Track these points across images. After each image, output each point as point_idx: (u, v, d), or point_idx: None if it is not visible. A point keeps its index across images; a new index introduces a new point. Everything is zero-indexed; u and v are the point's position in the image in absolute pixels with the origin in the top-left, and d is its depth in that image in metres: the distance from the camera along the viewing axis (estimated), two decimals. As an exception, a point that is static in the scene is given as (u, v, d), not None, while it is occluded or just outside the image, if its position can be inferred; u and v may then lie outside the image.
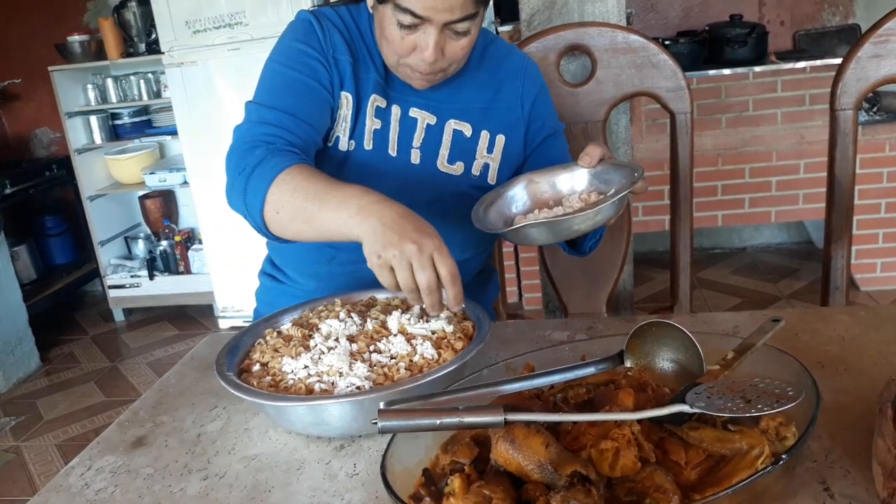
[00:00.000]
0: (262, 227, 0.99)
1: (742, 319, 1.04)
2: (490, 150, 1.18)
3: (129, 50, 3.51)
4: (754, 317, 1.04)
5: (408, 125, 1.14)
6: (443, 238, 0.86)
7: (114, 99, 3.63)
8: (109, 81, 3.61)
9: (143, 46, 3.47)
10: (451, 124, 1.16)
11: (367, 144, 1.13)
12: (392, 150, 1.14)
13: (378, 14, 1.04)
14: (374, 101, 1.12)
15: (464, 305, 0.93)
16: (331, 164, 1.12)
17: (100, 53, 3.56)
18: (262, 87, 1.10)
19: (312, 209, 0.92)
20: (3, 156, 4.01)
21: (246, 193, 0.98)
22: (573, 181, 1.08)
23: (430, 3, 0.96)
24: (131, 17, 3.43)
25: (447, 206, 1.13)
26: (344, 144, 1.12)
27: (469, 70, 1.15)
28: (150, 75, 3.60)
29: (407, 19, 0.99)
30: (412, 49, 1.02)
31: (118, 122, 3.72)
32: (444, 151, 1.16)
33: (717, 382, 0.69)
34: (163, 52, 3.15)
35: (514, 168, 1.22)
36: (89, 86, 3.63)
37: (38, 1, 3.87)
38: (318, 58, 1.09)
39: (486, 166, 1.18)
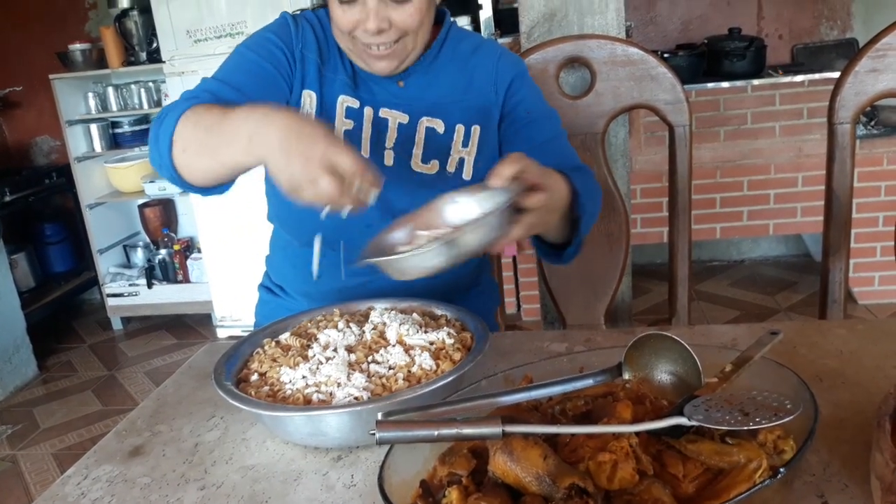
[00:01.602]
0: (173, 172, 0.96)
1: (740, 332, 1.04)
2: (465, 143, 1.16)
3: (130, 59, 3.53)
4: (752, 329, 1.04)
5: (379, 126, 1.13)
6: None
7: (114, 107, 3.64)
8: (110, 90, 3.62)
9: (144, 55, 3.48)
10: (424, 122, 1.14)
11: None
12: (364, 152, 1.13)
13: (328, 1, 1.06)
14: (344, 101, 1.12)
15: (377, 192, 0.84)
16: None
17: (101, 62, 3.58)
18: (220, 66, 1.12)
19: (213, 141, 0.90)
20: (4, 163, 4.02)
21: (158, 138, 0.96)
22: (469, 208, 0.96)
23: None
24: (133, 26, 3.44)
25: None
26: None
27: (439, 63, 1.15)
28: (150, 84, 3.61)
29: None
30: (355, 24, 1.03)
31: (118, 130, 3.73)
32: (418, 151, 1.15)
33: (715, 395, 0.69)
34: (164, 61, 3.17)
35: (493, 160, 1.19)
36: (90, 94, 3.64)
37: (40, 9, 3.88)
38: (283, 48, 1.11)
39: (461, 161, 1.16)
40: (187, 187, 0.99)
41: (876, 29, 1.35)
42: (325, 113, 1.12)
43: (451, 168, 1.16)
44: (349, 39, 1.07)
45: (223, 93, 1.04)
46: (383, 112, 1.13)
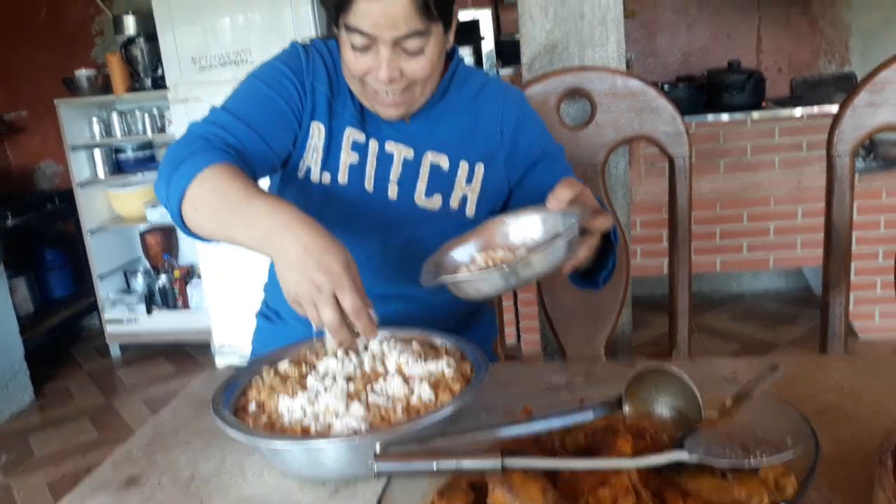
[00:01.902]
0: (179, 221, 1.00)
1: (740, 366, 1.04)
2: (469, 180, 1.17)
3: (134, 85, 3.56)
4: (753, 363, 1.04)
5: (384, 160, 1.14)
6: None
7: (118, 133, 3.67)
8: (114, 115, 3.66)
9: (148, 82, 3.52)
10: (429, 157, 1.15)
11: (342, 178, 1.13)
12: (368, 186, 1.14)
13: (339, 40, 1.07)
14: (350, 133, 1.13)
15: (369, 340, 0.92)
16: (303, 197, 1.13)
17: (106, 88, 3.61)
18: (231, 96, 1.13)
19: (226, 216, 0.93)
20: (7, 188, 4.04)
21: (170, 183, 0.98)
22: (528, 229, 1.00)
23: (372, 18, 0.98)
24: (138, 53, 3.48)
25: (426, 244, 1.10)
26: (316, 176, 1.13)
27: (446, 101, 1.16)
28: (154, 110, 3.64)
29: (357, 40, 1.01)
30: (367, 70, 1.04)
31: (122, 156, 3.75)
32: (422, 186, 1.15)
33: (715, 430, 0.69)
34: (168, 88, 3.20)
35: (496, 199, 1.20)
36: (94, 119, 3.67)
37: (48, 36, 3.94)
38: (294, 81, 1.12)
39: (464, 198, 1.17)
40: (187, 233, 1.02)
41: (874, 63, 1.37)
42: (333, 145, 1.13)
43: (454, 204, 1.17)
44: (359, 83, 1.08)
45: (234, 127, 1.06)
46: (389, 146, 1.15)
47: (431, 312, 1.14)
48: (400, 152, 1.15)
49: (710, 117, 3.17)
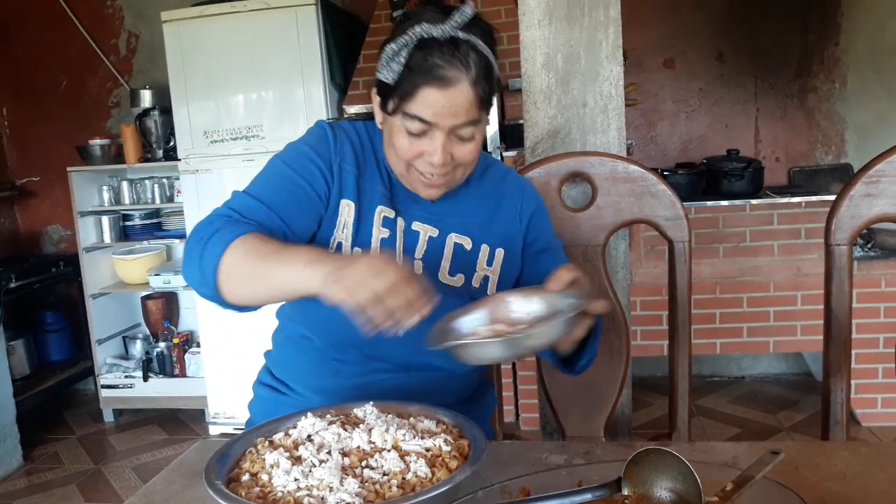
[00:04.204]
0: (214, 292, 1.02)
1: (741, 450, 1.03)
2: (490, 262, 1.21)
3: (146, 155, 3.64)
4: (754, 448, 1.03)
5: (411, 238, 1.18)
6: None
7: (127, 201, 3.73)
8: (125, 184, 3.72)
9: (160, 152, 3.60)
10: (453, 237, 1.19)
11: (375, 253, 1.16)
12: (398, 260, 1.16)
13: (387, 125, 1.11)
14: (382, 211, 1.16)
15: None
16: None
17: (118, 157, 3.69)
18: (255, 178, 1.16)
19: (263, 268, 0.97)
20: (13, 251, 4.07)
21: (202, 259, 1.02)
22: (529, 305, 1.05)
23: (437, 108, 1.04)
24: (152, 125, 3.57)
25: None
26: (347, 250, 1.15)
27: (470, 186, 1.21)
28: (164, 180, 3.71)
29: (415, 126, 1.06)
30: (419, 154, 1.09)
31: (129, 223, 3.80)
32: (446, 264, 1.19)
33: (715, 515, 0.68)
34: (179, 159, 3.27)
35: (513, 280, 1.24)
36: (105, 187, 3.74)
37: (65, 105, 4.05)
38: (321, 165, 1.14)
39: (485, 279, 1.21)
40: (225, 306, 1.05)
41: (869, 155, 1.40)
42: (363, 221, 1.16)
43: (475, 283, 1.20)
44: (405, 167, 1.12)
45: (254, 210, 1.09)
46: (415, 225, 1.18)
47: (447, 383, 1.19)
48: (426, 232, 1.18)
49: (710, 203, 3.22)
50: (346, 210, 1.15)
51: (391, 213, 1.17)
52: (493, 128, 3.47)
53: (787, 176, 3.72)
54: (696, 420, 3.20)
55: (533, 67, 1.79)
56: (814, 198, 3.16)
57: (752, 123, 3.73)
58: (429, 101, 1.04)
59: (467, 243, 1.20)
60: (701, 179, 3.40)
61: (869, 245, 3.10)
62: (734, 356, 3.66)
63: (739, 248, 3.21)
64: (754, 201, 3.20)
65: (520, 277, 1.25)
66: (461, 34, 1.03)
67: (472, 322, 1.04)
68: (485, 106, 1.08)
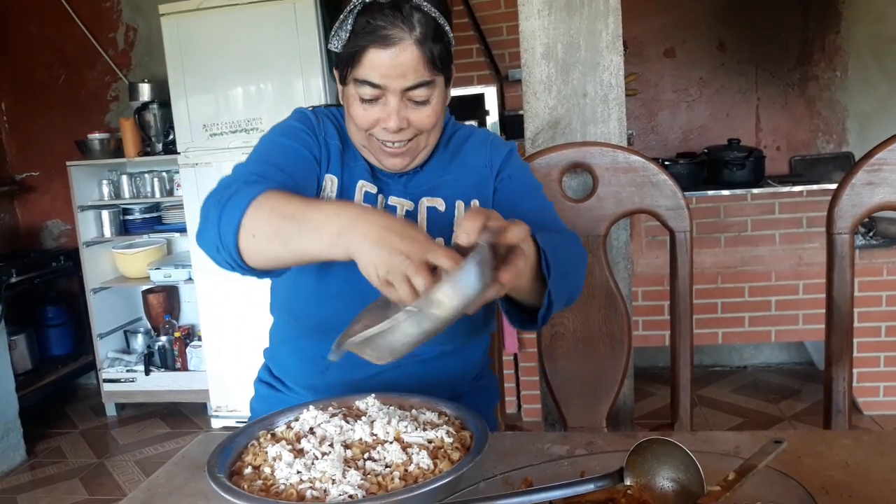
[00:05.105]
0: (235, 258, 0.95)
1: (743, 440, 1.03)
2: None
3: (146, 149, 3.63)
4: (756, 437, 1.03)
5: (389, 212, 1.17)
6: None
7: (127, 195, 3.73)
8: (124, 178, 3.72)
9: (159, 146, 3.59)
10: (424, 202, 1.18)
11: None
12: None
13: (345, 98, 1.11)
14: (363, 186, 1.16)
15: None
16: None
17: (118, 151, 3.68)
18: (252, 154, 1.13)
19: (291, 230, 0.89)
20: (14, 246, 4.07)
21: (220, 222, 0.95)
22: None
23: (383, 69, 1.03)
24: (151, 119, 3.57)
25: None
26: None
27: (436, 153, 1.20)
28: (164, 174, 3.71)
29: (367, 91, 1.06)
30: (375, 122, 1.08)
31: (129, 217, 3.80)
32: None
33: (718, 505, 0.68)
34: (179, 153, 3.26)
35: None
36: (104, 181, 3.74)
37: (64, 100, 4.05)
38: (310, 134, 1.15)
39: None
40: (244, 270, 0.99)
41: (870, 143, 1.40)
42: (345, 196, 1.16)
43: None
44: (365, 136, 1.12)
45: (267, 171, 1.05)
46: (392, 200, 1.18)
47: (440, 375, 1.16)
48: (402, 206, 1.18)
49: (711, 192, 3.22)
50: (329, 185, 1.15)
51: (373, 189, 1.17)
52: (493, 118, 3.46)
53: (789, 165, 3.72)
54: (697, 410, 3.21)
55: (533, 57, 1.79)
56: (815, 186, 3.16)
57: (752, 112, 3.72)
58: (374, 62, 1.03)
59: (440, 205, 1.19)
60: (702, 169, 3.39)
61: (870, 233, 3.10)
62: (736, 346, 3.66)
63: (741, 237, 3.21)
64: (755, 190, 3.19)
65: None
66: None
67: (378, 316, 0.86)
68: (437, 67, 1.06)
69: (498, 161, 1.22)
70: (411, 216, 1.18)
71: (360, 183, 1.16)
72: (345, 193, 1.16)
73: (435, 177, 1.20)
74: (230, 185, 1.00)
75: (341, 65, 1.08)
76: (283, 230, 0.90)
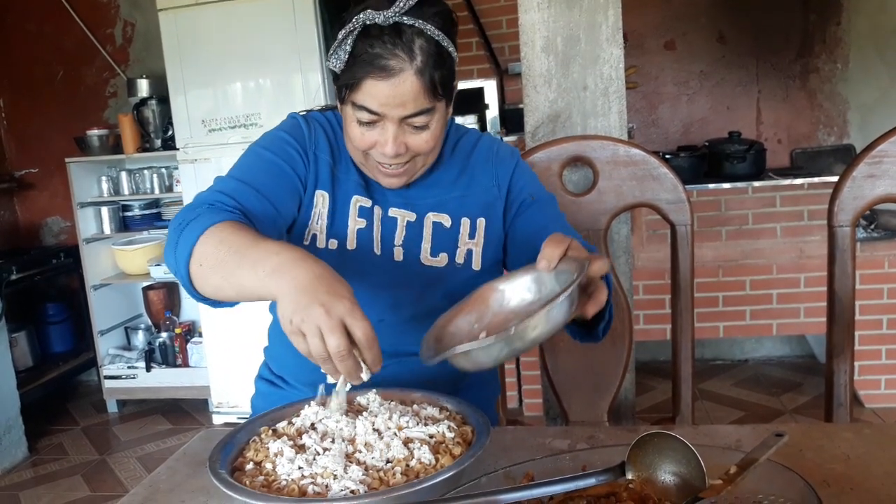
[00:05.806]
0: (187, 283, 0.97)
1: (745, 433, 1.02)
2: (472, 235, 1.19)
3: (144, 145, 3.63)
4: (757, 431, 1.03)
5: (389, 225, 1.17)
6: None
7: (126, 191, 3.72)
8: (123, 174, 3.71)
9: (158, 142, 3.59)
10: (430, 217, 1.18)
11: (351, 244, 1.15)
12: (377, 249, 1.16)
13: (343, 114, 1.10)
14: (357, 201, 1.15)
15: (374, 372, 0.84)
16: None
17: (116, 147, 3.68)
18: (236, 165, 1.14)
19: (233, 263, 0.90)
20: (14, 243, 4.07)
21: (177, 247, 0.97)
22: (523, 291, 0.97)
23: (382, 99, 1.01)
24: (150, 115, 3.56)
25: (435, 300, 1.12)
26: (322, 242, 1.14)
27: (442, 164, 1.19)
28: (163, 170, 3.70)
29: (364, 116, 1.04)
30: (372, 144, 1.07)
31: (128, 213, 3.79)
32: (427, 245, 1.17)
33: (719, 498, 0.68)
34: (178, 149, 3.26)
35: (498, 248, 1.22)
36: (104, 178, 3.73)
37: (62, 96, 4.04)
38: (298, 150, 1.14)
39: (469, 253, 1.18)
40: (198, 298, 1.00)
41: (872, 136, 1.39)
42: (338, 212, 1.15)
43: (459, 260, 1.18)
44: (362, 155, 1.11)
45: (240, 192, 1.06)
46: (392, 212, 1.17)
47: (439, 371, 1.14)
48: (403, 217, 1.17)
49: (712, 186, 3.21)
50: (321, 201, 1.14)
51: (367, 202, 1.16)
52: (493, 112, 3.45)
53: (790, 157, 3.71)
54: (699, 404, 3.21)
55: (532, 51, 1.78)
56: (816, 179, 3.15)
57: (753, 105, 3.71)
58: (373, 92, 1.01)
59: (446, 220, 1.18)
60: (703, 162, 3.39)
61: (872, 226, 3.09)
62: (737, 339, 3.66)
63: (742, 230, 3.20)
64: (756, 183, 3.19)
65: (507, 240, 1.22)
66: (406, 19, 1.00)
67: (466, 323, 0.96)
68: (437, 94, 1.04)
69: (506, 177, 1.21)
70: (414, 228, 1.17)
71: (354, 198, 1.15)
72: (337, 209, 1.15)
73: (442, 192, 1.19)
74: (196, 207, 1.02)
75: (341, 85, 1.06)
76: (227, 262, 0.91)
